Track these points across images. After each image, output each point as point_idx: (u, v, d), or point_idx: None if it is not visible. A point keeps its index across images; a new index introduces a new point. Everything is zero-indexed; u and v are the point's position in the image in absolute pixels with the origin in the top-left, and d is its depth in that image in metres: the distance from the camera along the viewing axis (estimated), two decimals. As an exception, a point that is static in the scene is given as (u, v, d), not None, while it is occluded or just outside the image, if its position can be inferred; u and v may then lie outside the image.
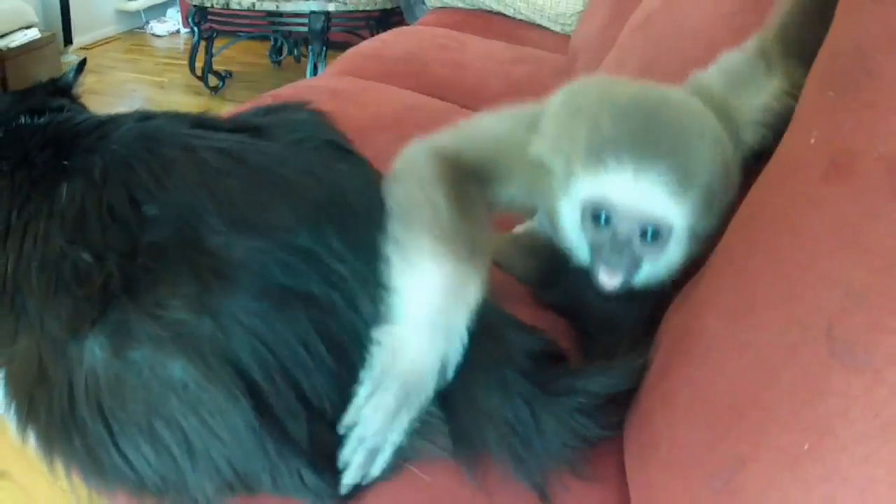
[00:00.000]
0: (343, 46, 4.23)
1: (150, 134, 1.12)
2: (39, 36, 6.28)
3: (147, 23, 9.01)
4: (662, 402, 0.89)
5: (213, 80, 6.15)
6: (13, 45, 5.99)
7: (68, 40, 7.67)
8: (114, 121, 1.21)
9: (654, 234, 0.92)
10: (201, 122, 1.19)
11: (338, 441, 0.94)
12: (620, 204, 0.91)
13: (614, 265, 0.95)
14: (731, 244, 0.93)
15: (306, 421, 0.92)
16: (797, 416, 0.64)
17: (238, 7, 5.12)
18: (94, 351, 0.91)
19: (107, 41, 8.68)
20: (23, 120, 1.36)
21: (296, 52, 6.16)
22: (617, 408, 0.98)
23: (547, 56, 3.31)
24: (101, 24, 8.73)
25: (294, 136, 1.17)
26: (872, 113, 0.68)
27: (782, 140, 0.89)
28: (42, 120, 1.35)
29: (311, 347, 0.92)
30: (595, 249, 0.97)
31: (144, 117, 1.21)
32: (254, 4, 5.03)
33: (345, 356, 0.94)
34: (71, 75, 1.62)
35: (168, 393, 0.89)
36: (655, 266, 0.98)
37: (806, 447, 0.62)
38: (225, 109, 5.44)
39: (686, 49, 1.55)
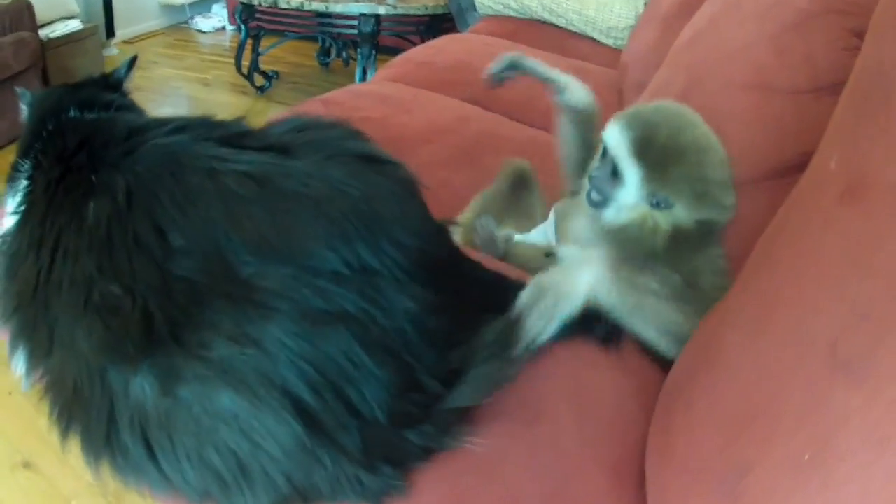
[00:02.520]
0: (393, 51, 4.27)
1: (174, 156, 1.14)
2: (81, 27, 6.33)
3: (192, 18, 9.05)
4: (683, 409, 0.95)
5: (259, 80, 6.17)
6: (54, 35, 6.04)
7: (110, 33, 7.71)
8: (143, 132, 1.23)
9: (615, 171, 1.30)
10: (230, 140, 1.20)
11: (391, 441, 0.99)
12: (610, 147, 1.31)
13: (594, 185, 1.35)
14: (755, 260, 1.01)
15: (358, 429, 0.96)
16: (801, 426, 0.69)
17: (286, 6, 5.16)
18: (143, 388, 0.96)
19: (150, 35, 8.73)
20: (72, 113, 1.41)
21: (344, 54, 6.16)
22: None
23: (596, 70, 3.34)
24: (145, 17, 8.77)
25: (323, 154, 1.19)
26: (887, 139, 0.72)
27: (810, 162, 0.96)
28: (89, 115, 1.41)
29: (354, 359, 0.95)
30: (591, 180, 1.36)
31: (174, 129, 1.22)
32: (302, 4, 5.06)
33: (388, 360, 0.98)
34: (122, 71, 1.65)
35: (218, 424, 0.94)
36: (616, 206, 1.32)
37: (807, 456, 0.66)
38: (272, 111, 5.62)
39: (730, 69, 1.59)
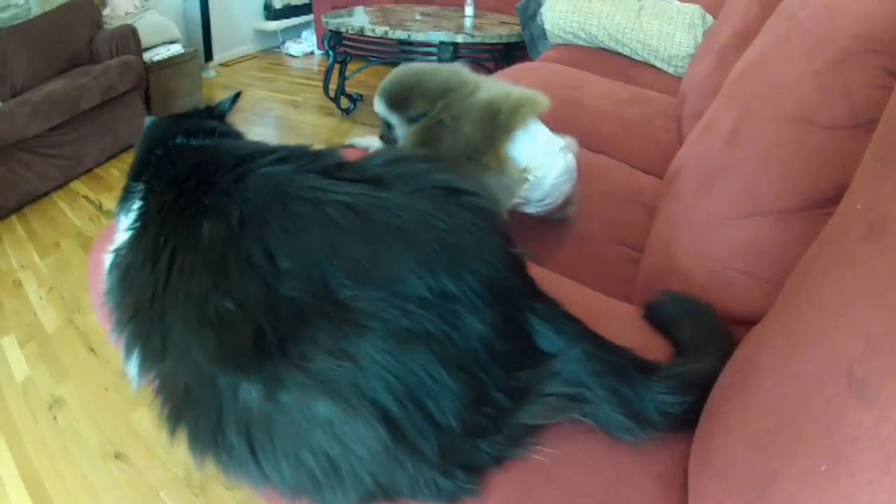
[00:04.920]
0: (470, 76, 4.32)
1: (281, 186, 1.21)
2: (183, 51, 6.49)
3: (283, 43, 9.25)
4: (721, 424, 0.98)
5: (344, 103, 6.23)
6: (157, 58, 6.20)
7: (208, 56, 7.94)
8: (249, 160, 1.30)
9: (388, 125, 1.99)
10: (329, 171, 1.27)
11: (464, 449, 1.04)
12: (380, 114, 1.99)
13: (385, 139, 2.03)
14: (788, 291, 1.04)
15: (435, 437, 1.00)
16: (819, 440, 0.72)
17: (371, 34, 5.24)
18: (250, 394, 1.02)
19: (244, 59, 8.96)
20: (178, 140, 1.49)
21: None
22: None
23: (658, 98, 3.35)
24: (240, 42, 9.00)
25: (412, 187, 1.24)
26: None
27: (841, 202, 0.98)
28: (195, 142, 1.48)
29: (434, 374, 1.00)
30: (382, 138, 2.05)
31: (278, 160, 1.29)
32: (386, 32, 5.13)
33: (463, 376, 1.02)
34: (227, 104, 1.75)
35: (315, 429, 0.99)
36: (399, 137, 1.96)
37: (823, 468, 0.69)
38: (355, 131, 5.72)
39: (777, 103, 1.59)
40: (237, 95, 1.81)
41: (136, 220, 1.38)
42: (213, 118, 1.69)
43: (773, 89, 1.67)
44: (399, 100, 1.94)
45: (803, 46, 1.63)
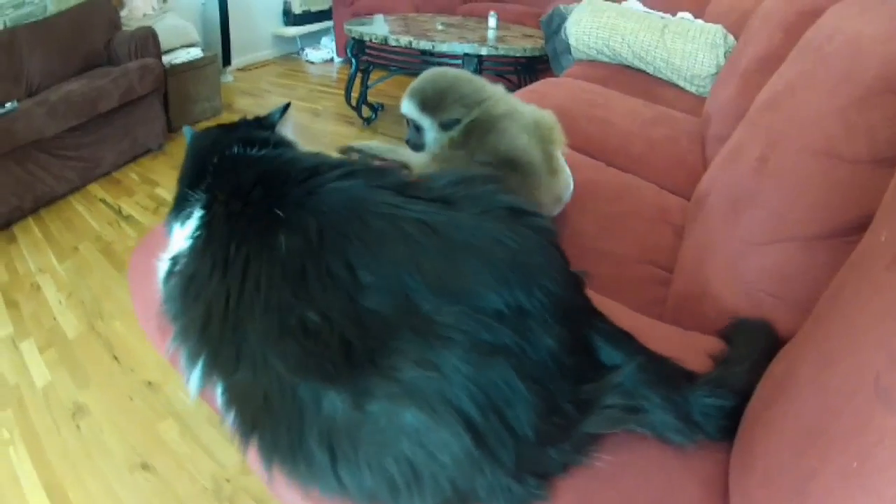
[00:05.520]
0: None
1: (356, 201, 1.26)
2: (202, 55, 6.52)
3: (302, 49, 9.29)
4: (763, 429, 1.08)
5: (366, 112, 6.30)
6: (176, 62, 6.24)
7: (227, 61, 7.95)
8: (317, 174, 1.35)
9: (417, 127, 2.06)
10: (399, 189, 1.31)
11: (537, 457, 1.10)
12: (408, 115, 2.06)
13: (411, 144, 2.11)
14: (820, 311, 1.16)
15: (513, 445, 1.05)
16: (850, 441, 0.83)
17: (395, 43, 5.31)
18: (335, 403, 1.07)
19: (263, 64, 9.01)
20: (235, 150, 1.55)
21: None
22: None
23: (683, 118, 3.42)
24: (259, 47, 9.08)
25: (481, 207, 1.29)
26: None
27: (866, 233, 1.12)
28: (254, 152, 1.54)
29: (512, 386, 1.05)
30: (408, 142, 2.13)
31: (346, 174, 1.35)
32: (410, 42, 5.21)
33: (536, 387, 1.08)
34: (276, 115, 1.80)
35: (400, 437, 1.03)
36: (428, 142, 2.06)
37: (854, 466, 0.80)
38: (376, 141, 5.65)
39: (804, 136, 1.68)
40: (286, 106, 1.85)
41: (198, 229, 1.42)
42: (262, 128, 1.74)
43: (799, 122, 1.75)
44: (434, 102, 2.01)
45: (828, 82, 1.72)
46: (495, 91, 2.07)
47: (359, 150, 2.38)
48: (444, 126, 2.01)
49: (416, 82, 2.09)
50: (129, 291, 3.38)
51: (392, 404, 1.04)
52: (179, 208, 1.53)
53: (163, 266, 1.52)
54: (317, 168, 1.39)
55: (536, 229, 1.28)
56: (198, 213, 1.45)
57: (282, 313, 1.16)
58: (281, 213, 1.28)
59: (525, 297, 1.12)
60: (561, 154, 2.10)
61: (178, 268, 1.44)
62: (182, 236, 1.47)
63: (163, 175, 5.53)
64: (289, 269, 1.20)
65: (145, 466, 2.63)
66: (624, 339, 1.29)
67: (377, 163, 1.74)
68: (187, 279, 1.38)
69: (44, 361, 3.32)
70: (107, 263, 4.20)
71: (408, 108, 2.05)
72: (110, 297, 3.83)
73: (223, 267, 1.29)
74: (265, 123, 1.80)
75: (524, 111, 2.06)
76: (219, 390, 1.28)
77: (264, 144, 1.60)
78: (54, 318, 3.67)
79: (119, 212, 4.87)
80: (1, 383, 3.21)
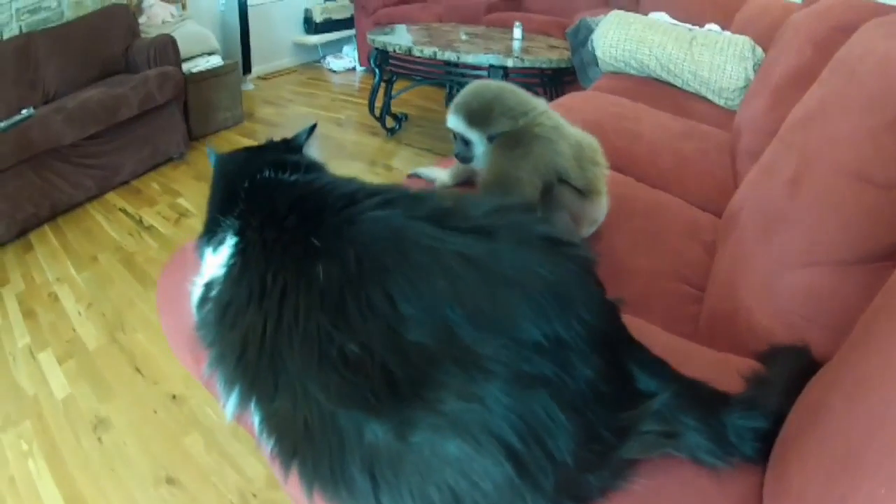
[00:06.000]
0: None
1: (395, 231, 1.28)
2: (223, 63, 6.58)
3: (323, 57, 9.37)
4: (798, 454, 1.11)
5: (390, 122, 6.33)
6: (195, 69, 6.31)
7: (246, 69, 8.00)
8: (355, 202, 1.37)
9: (465, 140, 2.09)
10: (437, 219, 1.31)
11: (576, 483, 1.13)
12: (455, 129, 2.09)
13: (459, 157, 2.16)
14: (855, 337, 1.19)
15: (553, 472, 1.06)
16: (880, 468, 0.87)
17: (420, 54, 5.35)
18: (377, 433, 1.09)
19: (284, 73, 9.08)
20: (267, 174, 1.57)
21: None
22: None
23: (712, 132, 3.45)
24: (279, 55, 9.17)
25: (519, 236, 1.29)
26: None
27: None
28: (287, 177, 1.56)
29: (552, 415, 1.07)
30: (457, 156, 2.17)
31: (384, 203, 1.36)
32: (435, 53, 5.25)
33: (575, 416, 1.10)
34: (303, 137, 1.82)
35: (444, 466, 1.05)
36: (476, 154, 2.11)
37: (882, 492, 0.84)
38: (400, 153, 5.82)
39: (837, 158, 1.74)
40: (313, 128, 1.86)
41: (232, 256, 1.45)
42: (290, 151, 1.77)
43: (832, 143, 1.78)
44: (480, 116, 2.04)
45: (861, 103, 1.75)
46: (539, 103, 2.10)
47: (419, 176, 2.62)
48: (493, 139, 2.05)
49: (460, 96, 2.13)
50: (151, 304, 3.40)
51: (435, 435, 1.06)
52: (211, 233, 1.56)
53: (196, 291, 1.56)
54: (353, 196, 1.41)
55: (574, 259, 1.30)
56: (231, 241, 1.48)
57: (321, 343, 1.19)
58: (319, 244, 1.30)
59: (563, 329, 1.14)
60: (603, 176, 2.14)
61: (212, 294, 1.47)
62: (215, 263, 1.50)
63: (185, 185, 5.58)
64: (327, 299, 1.22)
65: (170, 480, 2.66)
66: (659, 367, 1.32)
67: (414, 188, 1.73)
68: (223, 306, 1.41)
69: (63, 373, 3.36)
70: (128, 275, 4.24)
71: (454, 122, 2.09)
72: (132, 308, 3.87)
73: (260, 296, 1.32)
74: (292, 145, 1.82)
75: (569, 129, 2.11)
76: (256, 418, 1.31)
77: (295, 169, 1.62)
78: (74, 329, 3.71)
79: (140, 222, 4.92)
80: (19, 394, 3.25)
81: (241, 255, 1.43)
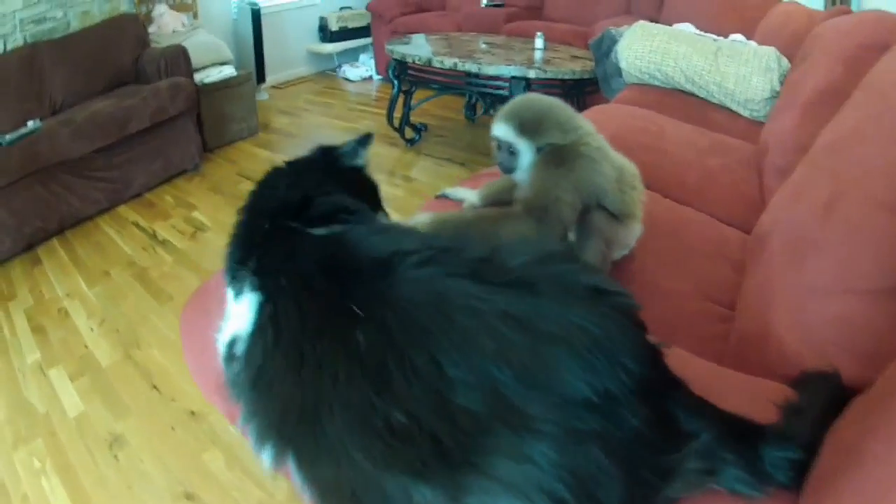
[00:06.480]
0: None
1: (435, 294, 1.26)
2: (236, 73, 6.60)
3: (339, 66, 9.40)
4: (834, 493, 1.14)
5: (409, 133, 6.37)
6: (208, 80, 6.34)
7: (260, 78, 7.98)
8: (392, 264, 1.33)
9: (511, 150, 2.13)
10: (476, 273, 1.29)
11: None
12: (502, 138, 2.12)
13: (503, 167, 2.19)
14: (891, 378, 1.23)
15: None
16: None
17: (440, 65, 5.40)
18: (426, 495, 1.10)
19: (298, 82, 9.12)
20: (290, 219, 1.50)
21: (492, 111, 6.09)
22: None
23: (738, 146, 3.48)
24: (294, 64, 9.22)
25: (561, 288, 1.29)
26: None
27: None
28: (313, 231, 1.48)
29: (601, 466, 1.08)
30: (499, 165, 2.20)
31: (422, 262, 1.32)
32: (455, 64, 5.28)
33: (622, 464, 1.10)
34: (351, 147, 1.74)
35: None
36: (521, 165, 2.13)
37: None
38: (420, 163, 5.86)
39: (872, 187, 1.72)
40: (368, 136, 1.80)
41: (259, 316, 1.41)
42: (329, 176, 1.68)
43: (865, 171, 1.80)
44: (533, 126, 2.09)
45: (895, 132, 1.77)
46: (586, 123, 2.15)
47: (447, 197, 2.69)
48: (541, 150, 2.09)
49: (509, 106, 2.17)
50: (167, 320, 3.43)
51: (487, 496, 1.07)
52: (232, 273, 1.53)
53: (222, 343, 1.54)
54: (390, 259, 1.36)
55: (619, 308, 1.30)
56: (254, 297, 1.44)
57: (364, 412, 1.18)
58: (358, 311, 1.27)
59: (611, 382, 1.15)
60: (640, 202, 2.19)
61: (239, 352, 1.44)
62: (238, 313, 1.48)
63: (200, 198, 5.61)
64: (368, 367, 1.21)
65: (190, 496, 2.69)
66: (700, 407, 1.33)
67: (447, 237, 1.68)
68: (255, 370, 1.39)
69: (75, 390, 3.38)
70: (142, 290, 4.26)
71: (503, 131, 2.12)
72: (147, 324, 3.89)
73: (298, 366, 1.30)
74: (337, 167, 1.75)
75: (612, 152, 2.17)
76: (297, 479, 1.31)
77: (326, 217, 1.53)
78: (86, 346, 3.73)
79: (154, 236, 4.95)
80: (30, 412, 3.27)
81: (271, 321, 1.39)
